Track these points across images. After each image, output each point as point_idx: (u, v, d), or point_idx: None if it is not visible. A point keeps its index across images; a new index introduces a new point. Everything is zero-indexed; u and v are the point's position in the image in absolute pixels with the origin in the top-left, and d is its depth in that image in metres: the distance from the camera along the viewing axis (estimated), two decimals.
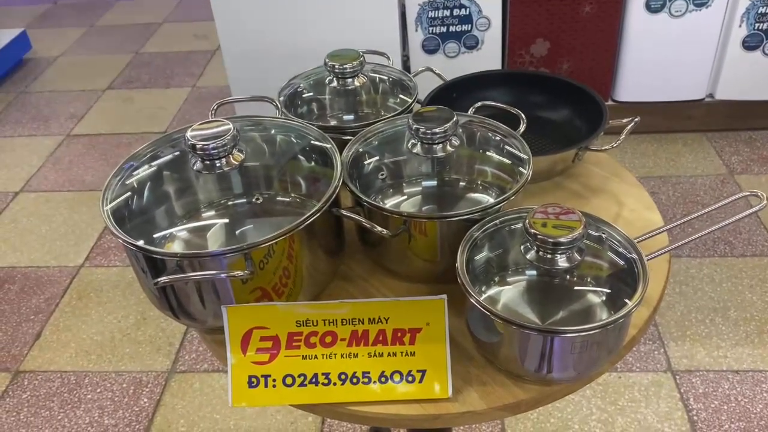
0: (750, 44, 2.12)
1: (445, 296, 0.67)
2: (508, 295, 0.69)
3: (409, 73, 1.01)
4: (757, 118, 2.31)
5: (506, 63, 2.20)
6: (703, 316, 1.69)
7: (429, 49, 2.14)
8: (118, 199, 0.74)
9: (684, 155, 2.26)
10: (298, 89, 1.00)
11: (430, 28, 2.10)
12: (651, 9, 2.06)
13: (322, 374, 0.68)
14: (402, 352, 0.68)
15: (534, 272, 0.69)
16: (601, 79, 2.22)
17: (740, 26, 2.09)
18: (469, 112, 0.90)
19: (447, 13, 2.06)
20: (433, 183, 0.83)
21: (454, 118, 0.78)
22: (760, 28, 2.09)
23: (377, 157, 0.84)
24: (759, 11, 2.05)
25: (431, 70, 1.05)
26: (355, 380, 0.68)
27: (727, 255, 1.86)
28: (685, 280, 1.79)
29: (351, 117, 0.98)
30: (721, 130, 2.34)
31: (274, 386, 0.68)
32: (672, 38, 2.11)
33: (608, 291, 0.68)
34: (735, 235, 1.91)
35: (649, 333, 1.66)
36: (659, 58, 2.16)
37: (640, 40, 2.13)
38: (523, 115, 0.88)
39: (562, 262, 0.67)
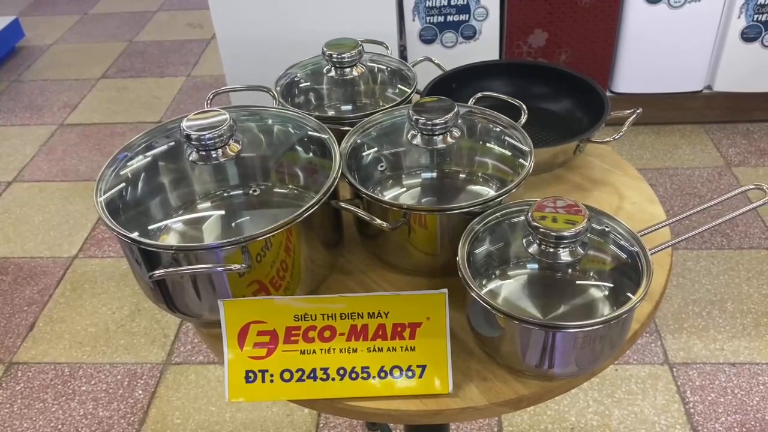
0: (749, 36, 2.11)
1: (445, 290, 0.66)
2: (509, 289, 0.68)
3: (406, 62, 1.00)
4: (755, 110, 2.31)
5: (504, 53, 2.18)
6: (700, 308, 1.69)
7: (426, 39, 2.12)
8: (112, 190, 0.73)
9: (681, 147, 2.25)
10: (296, 79, 0.98)
11: (428, 18, 2.08)
12: (650, 0, 2.05)
13: (321, 369, 0.67)
14: (402, 347, 0.67)
15: (536, 266, 0.68)
16: (599, 70, 2.21)
17: (739, 17, 2.07)
18: (470, 102, 0.89)
19: (444, 2, 2.05)
20: (433, 175, 0.81)
21: (455, 109, 0.77)
22: (759, 19, 2.07)
23: (376, 149, 0.83)
24: (758, 2, 2.04)
25: (430, 60, 1.04)
26: (354, 375, 0.67)
27: (725, 248, 1.85)
28: (683, 273, 1.79)
29: (349, 107, 0.97)
30: (719, 122, 2.33)
31: (271, 381, 0.67)
32: (670, 29, 2.10)
33: (611, 285, 0.67)
34: (732, 227, 1.91)
35: None
36: (658, 49, 2.15)
37: (638, 31, 2.12)
38: (524, 106, 0.87)
39: (564, 256, 0.66)
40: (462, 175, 0.81)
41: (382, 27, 2.05)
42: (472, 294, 0.64)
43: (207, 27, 3.24)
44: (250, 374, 0.67)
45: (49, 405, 1.56)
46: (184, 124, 0.73)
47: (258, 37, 2.06)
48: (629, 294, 0.64)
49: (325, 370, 0.67)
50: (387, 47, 1.05)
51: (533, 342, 0.64)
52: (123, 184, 0.74)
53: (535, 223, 0.65)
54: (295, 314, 0.68)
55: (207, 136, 0.72)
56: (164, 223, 0.74)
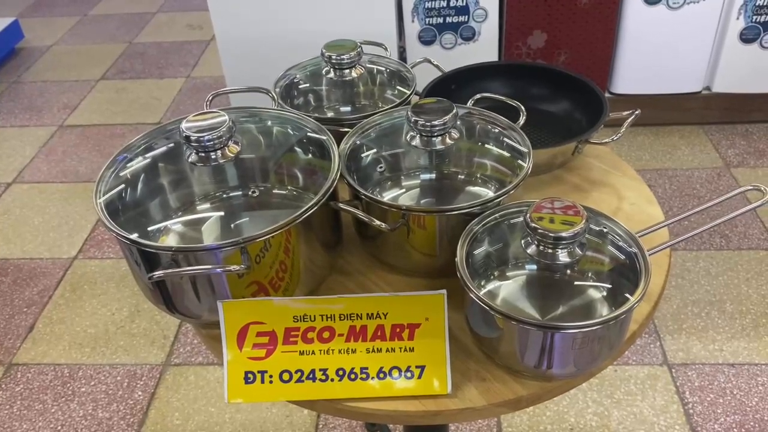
0: (747, 37, 2.11)
1: (444, 291, 0.67)
2: (508, 289, 0.68)
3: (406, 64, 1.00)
4: (754, 111, 2.31)
5: (503, 54, 2.18)
6: (699, 309, 1.69)
7: (425, 40, 2.12)
8: (112, 192, 0.73)
9: (680, 148, 2.25)
10: (295, 80, 0.98)
11: (427, 19, 2.08)
12: (648, 1, 2.05)
13: (320, 370, 0.67)
14: (401, 348, 0.68)
15: (534, 267, 0.68)
16: (598, 71, 2.21)
17: (738, 18, 2.08)
18: (468, 104, 0.89)
19: (444, 3, 2.05)
20: (432, 176, 0.82)
21: (454, 111, 0.77)
22: (757, 20, 2.08)
23: (375, 150, 0.83)
24: (757, 3, 2.04)
25: (429, 62, 1.04)
26: (353, 376, 0.67)
27: (723, 248, 1.86)
28: (681, 273, 1.79)
29: (348, 108, 0.97)
30: (718, 122, 2.33)
31: (270, 382, 0.67)
32: (669, 30, 2.10)
33: (609, 286, 0.68)
34: (731, 228, 1.91)
35: None
36: (656, 50, 2.15)
37: (637, 32, 2.12)
38: (522, 108, 0.87)
39: (563, 256, 0.66)
40: (461, 176, 0.81)
41: (381, 28, 2.05)
42: (471, 295, 0.64)
43: (206, 28, 3.24)
44: (249, 375, 0.68)
45: (49, 406, 1.56)
46: (184, 125, 0.73)
47: (257, 38, 2.06)
48: (627, 295, 0.64)
49: (324, 370, 0.67)
50: (386, 48, 1.05)
51: (532, 342, 0.64)
52: (122, 186, 0.75)
53: (534, 224, 0.65)
54: (294, 315, 0.68)
55: (206, 137, 0.72)
56: (164, 224, 0.75)
